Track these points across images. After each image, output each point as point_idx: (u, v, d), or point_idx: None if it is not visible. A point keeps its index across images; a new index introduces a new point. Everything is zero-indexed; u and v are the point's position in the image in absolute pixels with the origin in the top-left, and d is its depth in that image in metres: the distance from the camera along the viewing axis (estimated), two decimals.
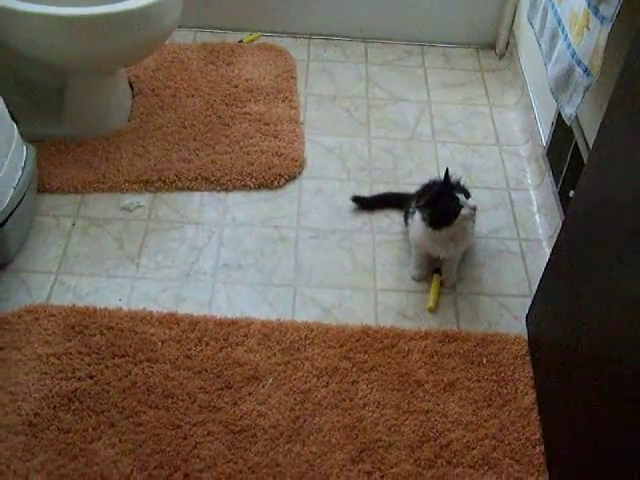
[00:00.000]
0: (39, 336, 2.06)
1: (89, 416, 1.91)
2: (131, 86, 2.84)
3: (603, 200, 1.70)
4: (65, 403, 1.93)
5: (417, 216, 2.20)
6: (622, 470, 1.50)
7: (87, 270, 2.27)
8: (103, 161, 2.56)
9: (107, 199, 2.48)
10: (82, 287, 2.22)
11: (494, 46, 3.25)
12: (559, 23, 2.11)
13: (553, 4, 2.18)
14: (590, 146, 2.14)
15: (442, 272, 2.29)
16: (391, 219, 2.48)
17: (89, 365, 2.01)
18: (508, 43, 3.18)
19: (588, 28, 1.88)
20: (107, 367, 2.01)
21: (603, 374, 1.62)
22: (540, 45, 2.31)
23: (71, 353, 2.03)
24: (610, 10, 1.78)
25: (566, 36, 2.03)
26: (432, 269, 2.31)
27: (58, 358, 2.02)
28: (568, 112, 2.06)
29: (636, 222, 1.52)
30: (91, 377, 1.99)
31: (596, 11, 1.84)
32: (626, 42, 1.62)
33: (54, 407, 1.92)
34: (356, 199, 2.52)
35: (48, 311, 2.13)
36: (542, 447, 1.91)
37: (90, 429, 1.89)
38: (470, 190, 2.39)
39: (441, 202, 2.13)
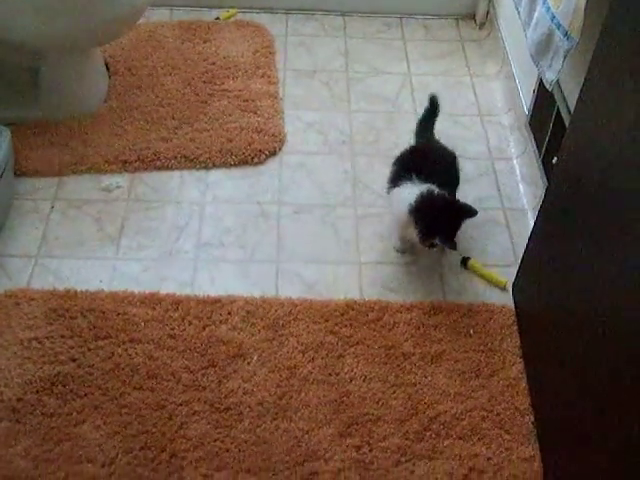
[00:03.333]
0: (20, 320, 2.03)
1: (73, 399, 1.89)
2: (107, 66, 2.79)
3: (586, 165, 1.69)
4: (48, 387, 1.91)
5: (397, 195, 2.17)
6: (611, 435, 1.50)
7: (67, 253, 2.24)
8: (80, 142, 2.52)
9: (86, 180, 2.44)
10: (62, 270, 2.19)
11: (474, 16, 3.21)
12: None
13: None
14: (572, 111, 2.11)
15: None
16: (373, 192, 2.46)
17: (72, 348, 1.98)
18: (488, 12, 3.14)
19: None
20: (90, 349, 1.98)
21: (590, 341, 1.61)
22: (519, 11, 2.28)
23: (53, 337, 2.00)
24: None
25: (545, 0, 2.00)
26: None
27: (40, 342, 1.99)
28: (549, 77, 2.04)
29: (620, 186, 1.50)
30: (74, 360, 1.96)
31: None
32: (605, 3, 1.59)
33: (37, 392, 1.89)
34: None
35: (28, 295, 2.10)
36: (531, 416, 1.90)
37: (74, 412, 1.86)
38: None
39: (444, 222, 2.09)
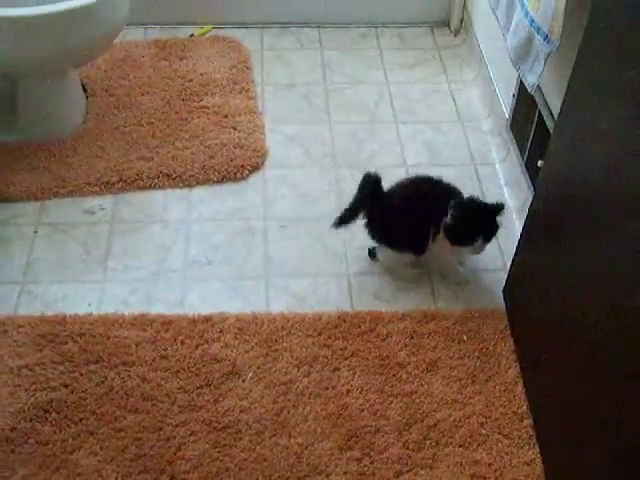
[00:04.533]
0: (9, 348, 2.00)
1: (68, 426, 1.86)
2: (84, 87, 2.77)
3: (573, 167, 1.69)
4: (42, 415, 1.88)
5: None
6: (610, 436, 1.50)
7: (54, 277, 2.21)
8: (61, 165, 2.50)
9: (68, 204, 2.42)
10: (50, 295, 2.17)
11: (448, 23, 3.23)
12: None
13: None
14: (554, 114, 2.12)
15: None
16: None
17: (63, 374, 1.96)
18: (462, 19, 3.16)
19: None
20: (82, 374, 1.96)
21: (584, 340, 1.61)
22: (497, 17, 2.28)
23: (44, 363, 1.98)
24: None
25: (523, 4, 2.01)
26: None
27: (31, 369, 1.96)
28: (530, 81, 2.04)
29: (606, 189, 1.51)
30: (66, 386, 1.93)
31: None
32: (587, 5, 1.60)
33: (31, 420, 1.87)
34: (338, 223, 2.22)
35: (16, 322, 2.07)
36: (530, 420, 1.90)
37: (70, 439, 1.84)
38: (436, 168, 2.39)
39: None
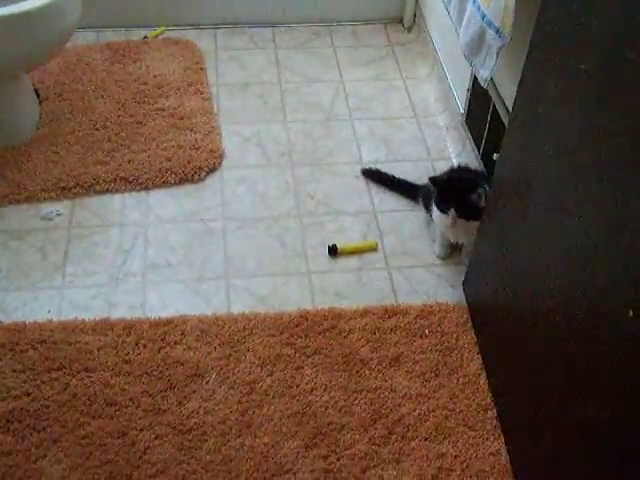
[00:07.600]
0: None
1: (30, 435, 1.84)
2: (37, 92, 2.74)
3: (528, 159, 1.70)
4: (3, 424, 1.86)
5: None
6: (572, 421, 1.52)
7: (11, 285, 2.19)
8: (16, 171, 2.47)
9: (25, 210, 2.39)
10: (8, 303, 2.14)
11: (401, 20, 3.23)
12: None
13: None
14: (508, 107, 2.14)
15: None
16: (317, 201, 2.46)
17: (24, 382, 1.94)
18: (415, 15, 3.17)
19: None
20: (44, 382, 1.94)
21: (542, 330, 1.63)
22: (449, 12, 2.30)
23: (4, 372, 1.95)
24: None
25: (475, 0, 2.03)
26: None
27: None
28: (483, 75, 2.06)
29: (559, 176, 1.53)
30: (28, 394, 1.91)
31: None
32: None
33: None
34: (365, 172, 2.56)
35: None
36: (494, 411, 1.91)
37: (33, 448, 1.82)
38: (393, 164, 2.40)
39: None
